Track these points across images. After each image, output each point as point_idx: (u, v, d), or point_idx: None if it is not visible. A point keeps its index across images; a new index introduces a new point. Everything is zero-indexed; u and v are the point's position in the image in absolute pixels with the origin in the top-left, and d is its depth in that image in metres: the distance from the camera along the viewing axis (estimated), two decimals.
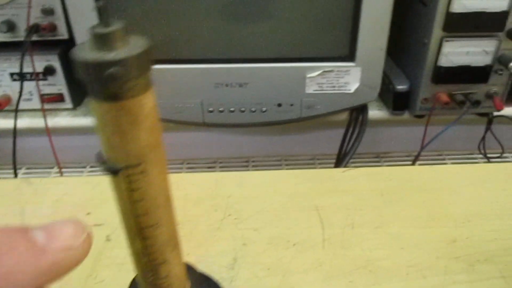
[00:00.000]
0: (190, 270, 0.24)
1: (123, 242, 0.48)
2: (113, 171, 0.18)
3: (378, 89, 0.73)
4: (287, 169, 0.96)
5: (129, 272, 0.45)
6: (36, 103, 0.81)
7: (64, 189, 0.56)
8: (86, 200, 0.54)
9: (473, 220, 0.51)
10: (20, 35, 0.75)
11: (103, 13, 0.16)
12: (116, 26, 0.17)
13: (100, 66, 0.16)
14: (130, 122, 0.17)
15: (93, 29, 0.17)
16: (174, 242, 0.21)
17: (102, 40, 0.17)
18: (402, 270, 0.45)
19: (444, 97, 0.78)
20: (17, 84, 0.79)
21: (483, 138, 0.89)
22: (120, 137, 0.17)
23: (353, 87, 0.72)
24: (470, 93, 0.79)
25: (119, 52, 0.17)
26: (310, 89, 0.71)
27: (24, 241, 0.16)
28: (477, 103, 0.78)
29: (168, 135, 0.88)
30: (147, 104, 0.17)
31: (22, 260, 0.15)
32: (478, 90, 0.79)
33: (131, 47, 0.17)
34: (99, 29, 0.17)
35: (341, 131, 0.87)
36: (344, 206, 0.53)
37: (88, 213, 0.52)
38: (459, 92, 0.79)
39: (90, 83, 0.17)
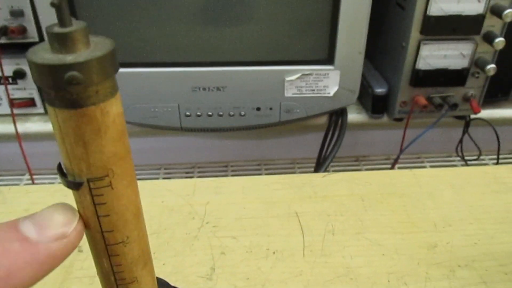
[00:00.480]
0: (162, 286, 0.22)
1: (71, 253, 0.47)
2: (76, 185, 0.17)
3: (357, 93, 0.73)
4: (266, 173, 0.95)
5: None
6: (5, 108, 0.78)
7: (34, 198, 0.53)
8: None
9: (453, 225, 0.50)
10: None
11: (60, 11, 0.15)
12: (76, 26, 0.15)
13: (57, 70, 0.15)
14: (93, 131, 0.15)
15: (50, 29, 0.15)
16: (145, 259, 0.20)
17: (60, 41, 0.15)
18: (383, 277, 0.44)
19: (422, 100, 0.78)
20: None
21: (461, 140, 0.90)
22: (82, 147, 0.16)
23: (332, 90, 0.71)
24: (447, 96, 0.79)
25: (80, 55, 0.15)
26: (289, 92, 0.71)
27: (16, 239, 0.16)
28: (454, 106, 0.78)
29: (145, 140, 0.86)
30: (112, 111, 0.16)
31: (19, 259, 0.15)
32: (455, 93, 0.79)
33: (93, 49, 0.16)
34: (57, 28, 0.15)
35: (321, 135, 0.87)
36: (324, 212, 0.52)
37: None
38: (437, 95, 0.79)
39: (47, 89, 0.15)
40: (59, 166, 0.17)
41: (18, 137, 0.77)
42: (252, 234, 0.49)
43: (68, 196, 0.51)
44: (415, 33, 0.73)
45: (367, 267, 0.45)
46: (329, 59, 0.69)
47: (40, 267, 0.16)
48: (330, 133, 0.84)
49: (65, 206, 0.17)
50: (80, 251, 0.46)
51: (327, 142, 0.83)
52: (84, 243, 0.47)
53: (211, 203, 0.53)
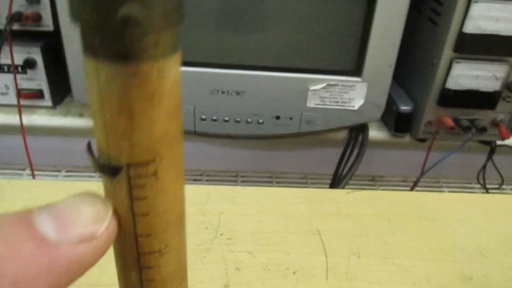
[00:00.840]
0: None
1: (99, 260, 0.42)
2: (111, 171, 0.12)
3: (383, 108, 0.69)
4: (277, 186, 0.90)
5: None
6: (12, 98, 0.75)
7: (35, 194, 0.49)
8: None
9: (489, 256, 0.46)
10: (0, 22, 0.69)
11: None
12: None
13: (110, 2, 0.10)
14: (144, 98, 0.11)
15: None
16: (182, 275, 0.15)
17: None
18: None
19: (449, 122, 0.74)
20: None
21: (484, 167, 0.86)
22: (127, 119, 0.11)
23: (357, 104, 0.67)
24: (475, 119, 0.75)
25: None
26: (312, 102, 0.67)
27: (30, 238, 0.11)
28: (483, 130, 0.74)
29: None
30: (170, 74, 0.12)
31: (31, 265, 0.11)
32: (484, 116, 0.75)
33: None
34: None
35: (337, 151, 0.83)
36: (348, 231, 0.48)
37: None
38: (464, 117, 0.75)
39: (91, 30, 0.11)
40: (89, 145, 0.13)
41: (22, 130, 0.74)
42: (270, 250, 0.44)
43: (72, 193, 0.47)
44: (447, 51, 0.69)
45: None
46: (356, 71, 0.65)
47: (58, 278, 0.12)
48: (349, 149, 0.80)
49: (94, 197, 0.13)
50: None
51: (345, 158, 0.79)
52: None
53: (226, 213, 0.49)
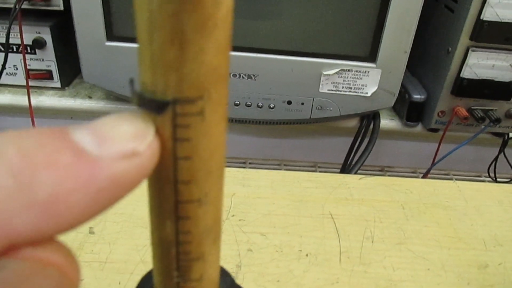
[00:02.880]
0: (222, 275, 0.17)
1: (108, 237, 0.42)
2: (157, 106, 0.11)
3: (396, 95, 0.68)
4: None
5: (115, 272, 0.38)
6: (20, 79, 0.74)
7: None
8: None
9: (505, 245, 0.45)
10: (9, 1, 0.68)
11: None
12: None
13: None
14: (197, 26, 0.10)
15: None
16: (217, 231, 0.15)
17: None
18: None
19: (463, 112, 0.73)
20: (1, 55, 0.71)
21: (495, 159, 0.85)
22: (178, 48, 0.10)
23: (370, 90, 0.66)
24: (490, 109, 0.74)
25: None
26: (324, 88, 0.66)
27: (67, 149, 0.10)
28: (497, 121, 0.73)
29: None
30: (225, 1, 0.11)
31: (70, 177, 0.10)
32: (498, 107, 0.74)
33: None
34: None
35: (347, 140, 0.82)
36: (362, 216, 0.47)
37: None
38: (478, 107, 0.74)
39: None
40: (132, 81, 0.12)
41: (30, 110, 0.73)
42: (283, 233, 0.44)
43: None
44: (464, 39, 0.68)
45: (411, 282, 0.40)
46: (371, 56, 0.64)
47: (98, 195, 0.11)
48: (359, 138, 0.79)
49: (133, 114, 0.12)
50: (91, 232, 0.41)
51: (355, 147, 0.78)
52: (97, 223, 0.42)
53: (238, 195, 0.48)
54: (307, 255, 0.41)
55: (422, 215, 0.48)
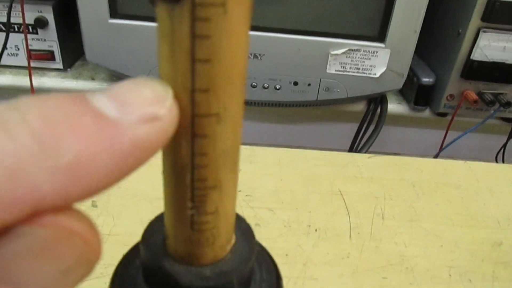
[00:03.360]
0: (237, 220, 0.16)
1: (112, 211, 0.40)
2: None
3: (405, 77, 0.67)
4: None
5: (119, 245, 0.37)
6: (22, 59, 0.73)
7: None
8: None
9: None
10: None
11: None
12: None
13: None
14: None
15: None
16: (235, 158, 0.13)
17: None
18: (443, 270, 0.38)
19: (472, 95, 0.72)
20: (2, 35, 0.70)
21: (504, 146, 0.83)
22: None
23: (379, 71, 0.65)
24: (500, 93, 0.73)
25: None
26: (332, 68, 0.64)
27: (87, 113, 0.10)
28: (507, 104, 0.71)
29: None
30: None
31: (92, 140, 0.10)
32: (509, 91, 0.73)
33: None
34: None
35: (353, 126, 0.80)
36: (371, 194, 0.46)
37: None
38: (488, 91, 0.72)
39: None
40: None
41: (32, 92, 0.72)
42: (291, 209, 0.42)
43: None
44: (475, 19, 0.66)
45: (423, 258, 0.38)
46: (380, 36, 0.63)
47: (121, 160, 0.10)
48: (366, 122, 0.77)
49: (151, 79, 0.12)
50: (94, 206, 0.40)
51: (362, 132, 0.77)
52: (100, 197, 0.41)
53: (244, 171, 0.47)
54: (316, 230, 0.40)
55: (433, 194, 0.47)
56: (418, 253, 0.39)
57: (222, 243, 0.15)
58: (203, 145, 0.12)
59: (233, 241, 0.16)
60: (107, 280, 0.34)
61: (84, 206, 0.36)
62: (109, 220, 0.38)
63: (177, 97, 0.11)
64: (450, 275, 0.37)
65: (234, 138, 0.13)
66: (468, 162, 0.54)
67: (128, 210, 0.40)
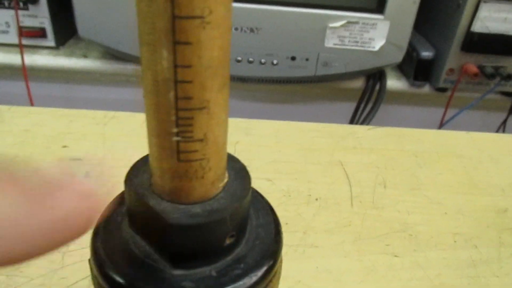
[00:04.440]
0: (230, 160, 0.15)
1: (106, 180, 0.39)
2: None
3: (404, 50, 0.65)
4: None
5: None
6: (13, 37, 0.71)
7: (36, 120, 0.46)
8: (62, 133, 0.44)
9: None
10: None
11: None
12: None
13: None
14: None
15: None
16: (224, 75, 0.12)
17: None
18: (447, 237, 0.36)
19: (473, 68, 0.70)
20: None
21: (505, 121, 0.82)
22: None
23: (378, 44, 0.63)
24: (501, 66, 0.71)
25: None
26: (330, 42, 0.63)
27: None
28: (508, 77, 0.70)
29: None
30: None
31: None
32: (510, 64, 0.71)
33: None
34: None
35: (352, 105, 0.79)
36: (372, 164, 0.44)
37: (64, 146, 0.42)
38: (489, 64, 0.71)
39: None
40: None
41: (24, 70, 0.70)
42: (290, 179, 0.41)
43: (73, 122, 0.44)
44: None
45: (427, 225, 0.37)
46: (379, 8, 0.61)
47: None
48: (365, 99, 0.76)
49: None
50: (88, 176, 0.38)
51: (360, 109, 0.75)
52: (94, 167, 0.40)
53: (241, 143, 0.46)
54: (316, 199, 0.39)
55: (435, 164, 0.46)
56: (421, 221, 0.38)
57: (212, 178, 0.14)
58: (187, 54, 0.11)
59: (226, 179, 0.15)
60: None
61: (77, 177, 0.34)
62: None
63: None
64: (455, 241, 0.36)
65: (222, 47, 0.11)
66: (470, 132, 0.52)
67: (122, 181, 0.38)
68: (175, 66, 0.11)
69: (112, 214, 0.16)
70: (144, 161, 0.15)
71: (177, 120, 0.12)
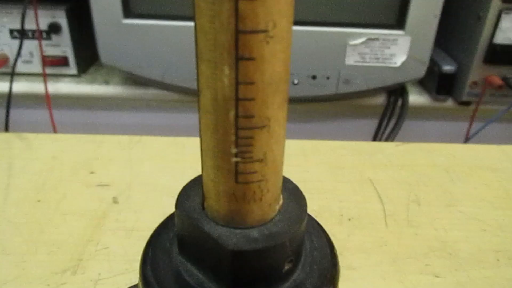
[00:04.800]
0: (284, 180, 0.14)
1: (134, 205, 0.39)
2: None
3: (426, 64, 0.64)
4: None
5: (142, 240, 0.36)
6: (36, 66, 0.72)
7: (62, 146, 0.46)
8: (89, 159, 0.44)
9: None
10: None
11: None
12: None
13: None
14: None
15: None
16: (284, 89, 0.11)
17: None
18: (489, 255, 0.35)
19: (497, 80, 0.69)
20: (16, 42, 0.70)
21: None
22: None
23: (399, 60, 0.63)
24: None
25: None
26: (351, 59, 0.62)
27: None
28: None
29: (186, 114, 0.76)
30: None
31: None
32: None
33: None
34: None
35: (374, 122, 0.78)
36: (403, 181, 0.43)
37: (92, 172, 0.42)
38: None
39: None
40: None
41: (47, 98, 0.71)
42: (321, 199, 0.40)
43: (101, 147, 0.44)
44: (495, 1, 0.64)
45: (467, 243, 0.36)
46: (399, 23, 0.61)
47: None
48: (387, 117, 0.75)
49: None
50: (116, 202, 0.38)
51: (383, 126, 0.74)
52: (121, 193, 0.39)
53: None
54: (349, 219, 0.38)
55: (468, 178, 0.44)
56: (461, 238, 0.36)
57: (270, 200, 0.13)
58: (250, 70, 0.10)
59: (281, 201, 0.14)
60: (132, 276, 0.32)
61: (105, 203, 0.34)
62: (131, 216, 0.36)
63: (218, 7, 0.10)
64: (498, 259, 0.35)
65: (285, 62, 0.11)
66: (501, 145, 0.51)
67: (150, 205, 0.38)
68: (237, 83, 0.10)
69: (160, 240, 0.15)
70: (194, 183, 0.14)
71: (236, 140, 0.11)
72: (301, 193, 0.15)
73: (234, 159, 0.12)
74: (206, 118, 0.11)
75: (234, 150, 0.11)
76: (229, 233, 0.13)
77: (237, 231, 0.13)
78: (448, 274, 0.33)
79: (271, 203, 0.13)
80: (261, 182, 0.12)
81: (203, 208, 0.14)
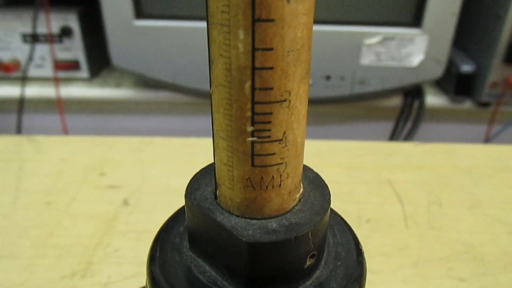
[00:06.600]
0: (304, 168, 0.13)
1: (145, 207, 0.38)
2: None
3: (444, 64, 0.63)
4: None
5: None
6: (48, 71, 0.72)
7: (73, 148, 0.45)
8: (100, 161, 0.43)
9: None
10: None
11: None
12: None
13: None
14: None
15: None
16: (306, 62, 0.10)
17: None
18: None
19: None
20: (28, 47, 0.69)
21: None
22: None
23: (416, 59, 0.61)
24: None
25: None
26: (366, 59, 0.61)
27: None
28: None
29: (197, 117, 0.75)
30: None
31: None
32: None
33: None
34: None
35: (390, 124, 0.76)
36: (423, 182, 0.42)
37: (102, 174, 0.41)
38: None
39: None
40: None
41: (59, 102, 0.71)
42: (337, 200, 0.39)
43: (111, 149, 0.43)
44: None
45: (492, 246, 0.34)
46: (416, 21, 0.59)
47: None
48: (404, 118, 0.73)
49: None
50: (126, 204, 0.37)
51: (400, 127, 0.73)
52: (132, 194, 0.38)
53: None
54: (367, 221, 0.36)
55: (491, 179, 0.43)
56: (486, 241, 0.35)
57: (290, 186, 0.12)
58: (268, 34, 0.09)
59: (301, 189, 0.13)
60: (142, 279, 0.31)
61: (116, 205, 0.32)
62: (142, 218, 0.35)
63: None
64: None
65: (307, 26, 0.10)
66: None
67: (160, 207, 0.37)
68: (254, 50, 0.09)
69: (169, 235, 0.14)
70: (206, 171, 0.13)
71: (253, 116, 0.10)
72: (323, 182, 0.14)
73: (249, 139, 0.10)
74: (218, 92, 0.10)
75: (250, 129, 0.10)
76: (245, 224, 0.11)
77: (254, 221, 0.12)
78: (474, 278, 0.31)
79: (290, 191, 0.12)
80: (280, 166, 0.11)
81: (216, 197, 0.12)
